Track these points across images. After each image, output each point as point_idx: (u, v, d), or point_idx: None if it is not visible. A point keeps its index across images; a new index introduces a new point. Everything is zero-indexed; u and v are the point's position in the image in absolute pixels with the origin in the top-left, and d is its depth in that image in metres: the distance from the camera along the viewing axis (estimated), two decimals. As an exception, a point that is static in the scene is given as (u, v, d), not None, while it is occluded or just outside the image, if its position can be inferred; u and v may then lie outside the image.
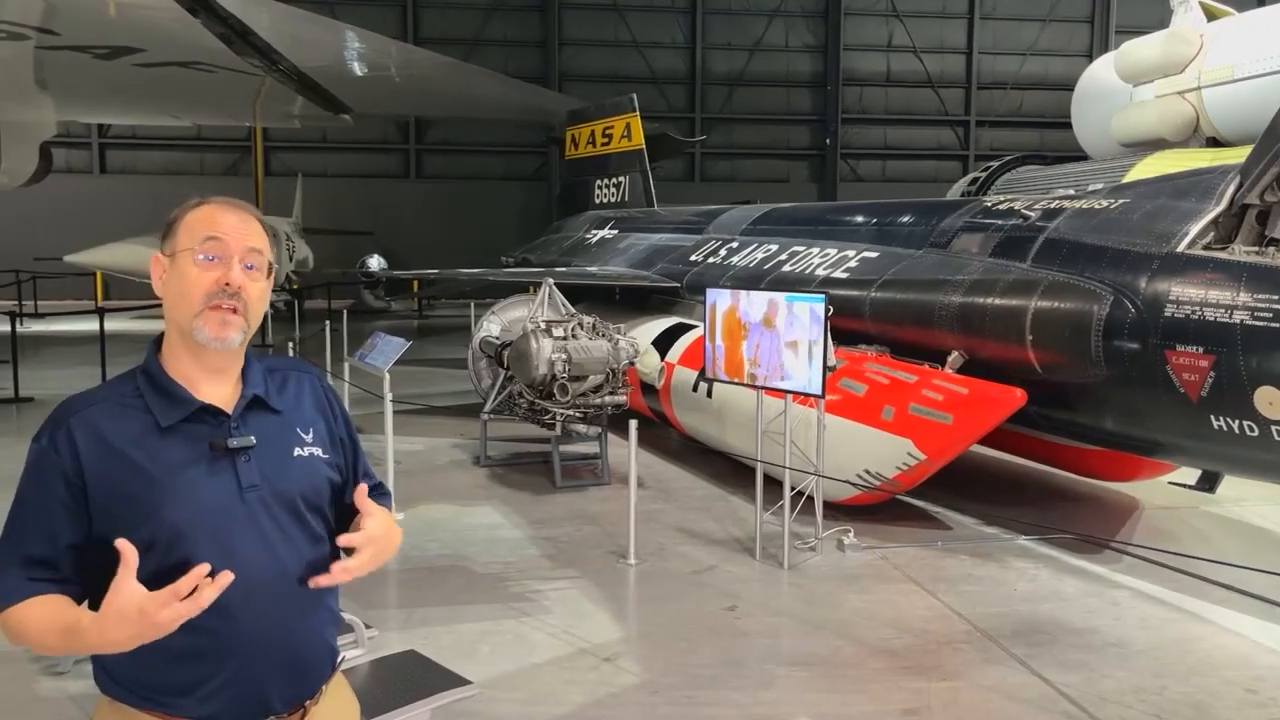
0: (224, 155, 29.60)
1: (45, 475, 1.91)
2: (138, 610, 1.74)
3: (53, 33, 11.99)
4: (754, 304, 6.71)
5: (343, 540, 1.97)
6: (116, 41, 12.87)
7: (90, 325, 14.87)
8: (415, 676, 3.77)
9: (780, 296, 6.58)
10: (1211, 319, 5.44)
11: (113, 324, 14.46)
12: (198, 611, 1.77)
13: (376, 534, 1.99)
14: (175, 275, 1.96)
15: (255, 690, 1.95)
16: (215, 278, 1.94)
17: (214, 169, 29.45)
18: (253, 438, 1.97)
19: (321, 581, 1.96)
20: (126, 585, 1.75)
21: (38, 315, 17.86)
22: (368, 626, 4.00)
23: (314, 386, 2.17)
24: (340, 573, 1.95)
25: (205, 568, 1.78)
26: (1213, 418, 5.49)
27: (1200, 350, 5.49)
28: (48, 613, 1.87)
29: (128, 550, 1.76)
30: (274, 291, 2.12)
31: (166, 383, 1.97)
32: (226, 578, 1.78)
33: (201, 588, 1.76)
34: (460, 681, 3.78)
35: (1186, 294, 5.64)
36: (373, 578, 5.89)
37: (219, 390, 2.00)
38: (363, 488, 2.03)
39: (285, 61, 14.64)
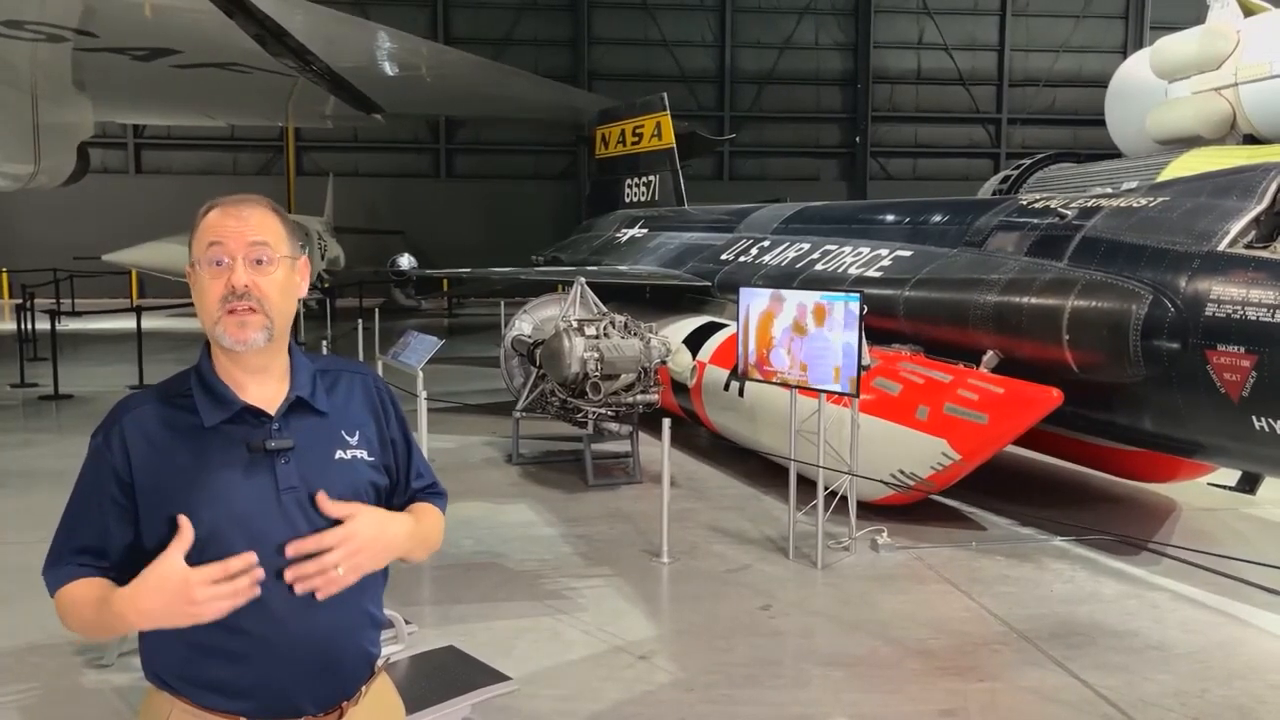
0: (257, 155, 29.87)
1: (99, 472, 1.98)
2: (181, 580, 1.78)
3: (91, 35, 12.15)
4: (785, 308, 6.69)
5: (294, 546, 1.90)
6: (154, 43, 13.04)
7: (127, 323, 15.07)
8: (455, 672, 3.80)
9: (814, 296, 6.56)
10: (1253, 318, 5.38)
11: (149, 322, 14.64)
12: (237, 602, 1.80)
13: (338, 537, 1.92)
14: (195, 286, 2.00)
15: (283, 690, 1.97)
16: (224, 282, 1.95)
17: (247, 169, 29.73)
18: (291, 440, 1.98)
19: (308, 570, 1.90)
20: (174, 555, 1.81)
21: (75, 313, 18.09)
22: (407, 622, 4.03)
23: (367, 387, 2.17)
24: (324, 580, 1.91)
25: (253, 556, 1.82)
26: (1254, 418, 5.43)
27: (1242, 350, 5.43)
28: (84, 590, 1.93)
29: (186, 527, 1.82)
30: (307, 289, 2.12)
31: (214, 383, 2.00)
32: (258, 574, 1.82)
33: (241, 579, 1.80)
34: (500, 677, 3.81)
35: (1227, 293, 5.58)
36: (409, 574, 5.96)
37: (265, 391, 2.02)
38: (322, 496, 1.95)
39: (318, 62, 14.78)
